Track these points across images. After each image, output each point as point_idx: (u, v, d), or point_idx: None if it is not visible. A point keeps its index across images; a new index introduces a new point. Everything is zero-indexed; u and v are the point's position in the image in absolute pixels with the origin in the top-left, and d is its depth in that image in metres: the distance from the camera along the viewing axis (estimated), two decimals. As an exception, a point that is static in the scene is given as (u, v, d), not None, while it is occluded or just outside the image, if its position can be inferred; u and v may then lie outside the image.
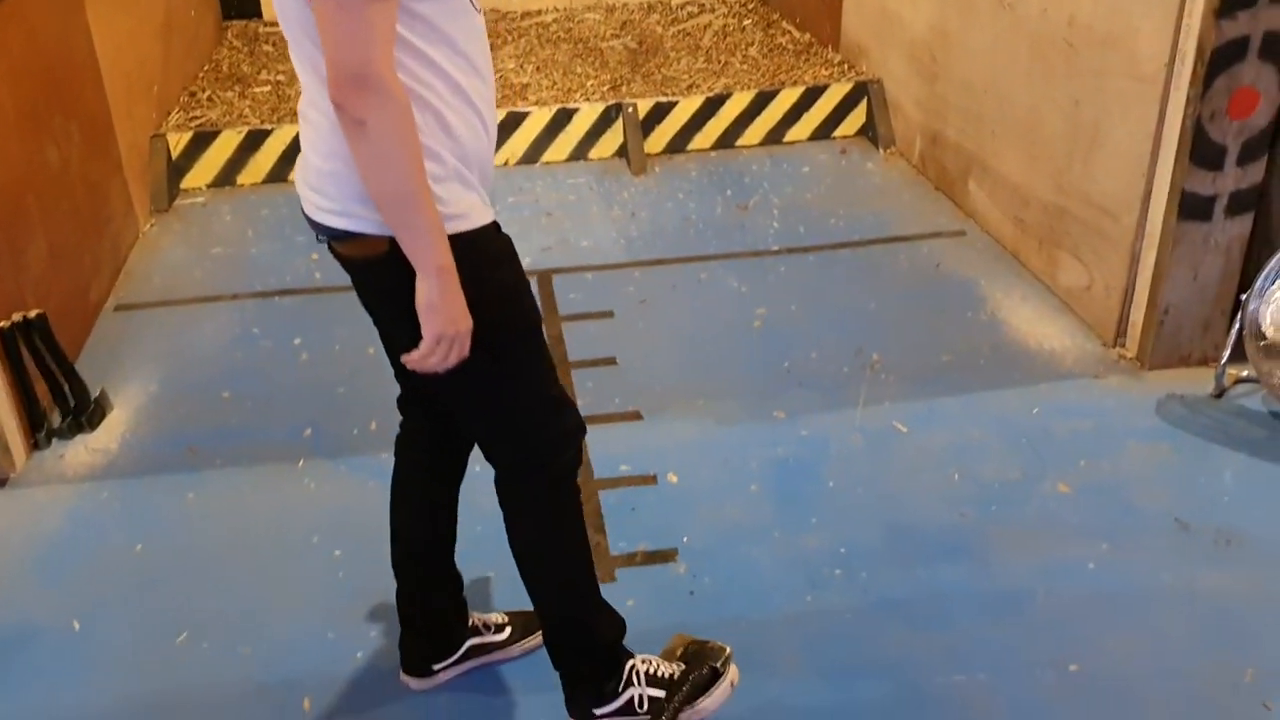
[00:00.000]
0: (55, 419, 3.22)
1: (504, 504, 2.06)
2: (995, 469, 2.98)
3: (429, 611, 2.31)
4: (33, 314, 3.14)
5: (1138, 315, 3.41)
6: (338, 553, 2.74)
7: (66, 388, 3.23)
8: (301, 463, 3.09)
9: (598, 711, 2.14)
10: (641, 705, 2.12)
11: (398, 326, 1.96)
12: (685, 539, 2.75)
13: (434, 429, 2.15)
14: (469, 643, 2.35)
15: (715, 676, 2.16)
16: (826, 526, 2.78)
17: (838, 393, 3.34)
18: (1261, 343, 3.04)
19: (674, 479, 2.98)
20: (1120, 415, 3.19)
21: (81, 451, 3.17)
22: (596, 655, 2.14)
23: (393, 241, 1.70)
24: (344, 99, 1.56)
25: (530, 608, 2.44)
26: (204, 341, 3.76)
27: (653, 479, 2.98)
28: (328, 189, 1.76)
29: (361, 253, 1.79)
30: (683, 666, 2.17)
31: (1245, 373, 3.24)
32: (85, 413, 3.24)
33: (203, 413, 3.35)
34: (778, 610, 2.52)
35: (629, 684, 2.13)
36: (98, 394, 3.32)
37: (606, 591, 2.54)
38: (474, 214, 1.78)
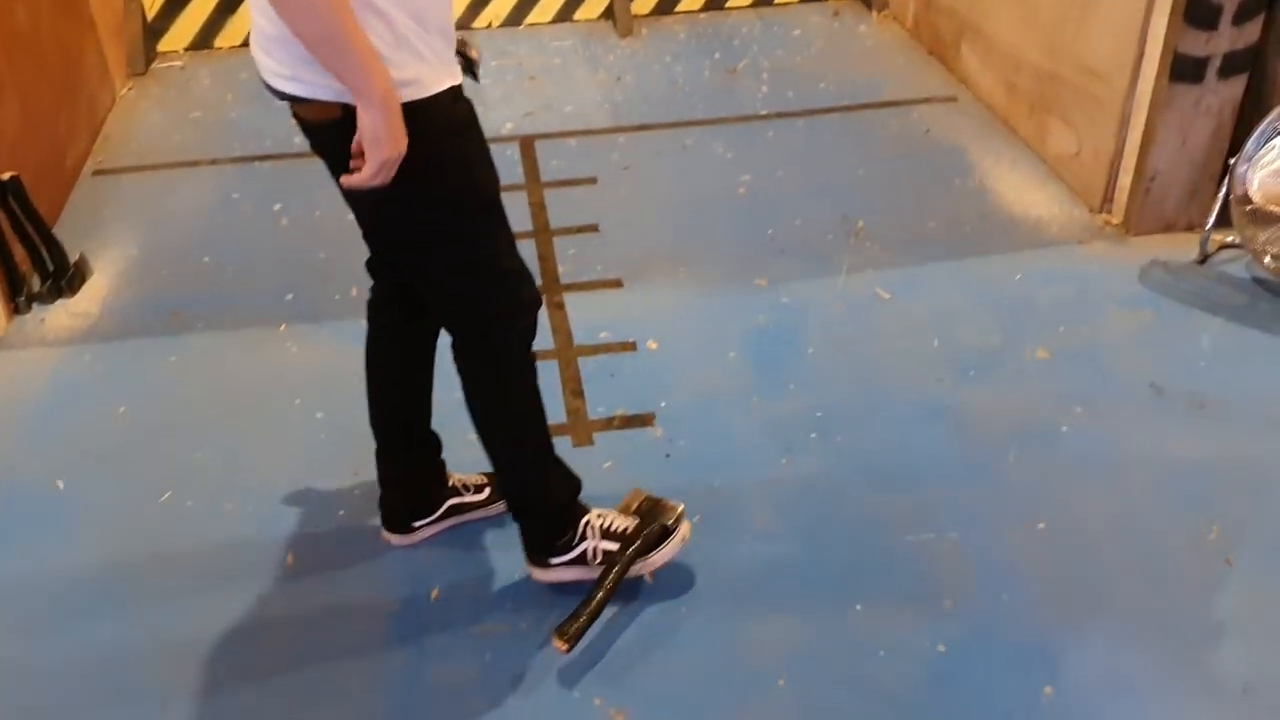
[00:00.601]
0: (35, 283, 3.21)
1: (460, 370, 2.08)
2: (975, 335, 2.99)
3: (408, 471, 2.35)
4: (6, 176, 3.10)
5: (1125, 181, 3.37)
6: (320, 415, 2.77)
7: (45, 252, 3.21)
8: (283, 327, 3.10)
9: (554, 561, 2.21)
10: (595, 557, 2.19)
11: (350, 197, 1.93)
12: (663, 404, 2.77)
13: (404, 292, 2.14)
14: (449, 502, 2.39)
15: (667, 533, 2.22)
16: (804, 392, 2.80)
17: (821, 260, 3.33)
18: (1247, 208, 3.02)
19: (654, 346, 2.99)
20: (1102, 282, 3.19)
21: (62, 315, 3.17)
22: (552, 512, 2.20)
23: (346, 106, 1.67)
24: None
25: (509, 469, 2.49)
26: (184, 207, 3.72)
27: (632, 345, 2.99)
28: (277, 53, 1.72)
29: (317, 116, 1.76)
30: (637, 521, 2.23)
31: (1230, 239, 3.22)
32: (65, 277, 3.23)
33: (184, 277, 3.35)
34: (753, 473, 2.55)
35: (584, 537, 2.19)
36: (77, 258, 3.31)
37: (585, 455, 2.60)
38: (427, 79, 1.73)
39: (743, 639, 2.16)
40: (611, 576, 2.14)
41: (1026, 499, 2.46)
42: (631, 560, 2.17)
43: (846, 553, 2.35)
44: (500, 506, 2.43)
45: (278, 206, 3.67)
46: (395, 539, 2.38)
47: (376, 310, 2.21)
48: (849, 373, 2.87)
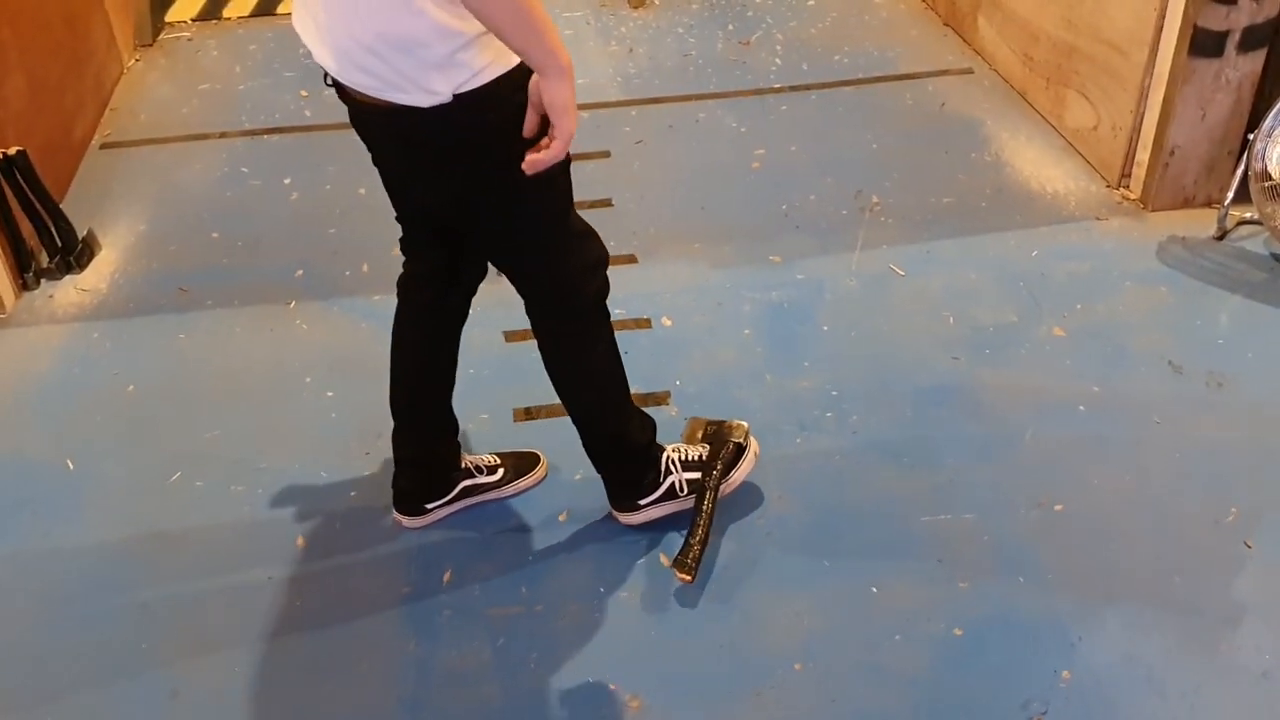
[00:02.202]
0: (43, 259, 3.19)
1: (537, 332, 2.13)
2: (990, 312, 2.96)
3: (425, 452, 2.33)
4: (13, 151, 3.07)
5: (1143, 156, 3.33)
6: (330, 393, 2.75)
7: (53, 227, 3.19)
8: (293, 304, 3.07)
9: (643, 502, 2.30)
10: (682, 489, 2.29)
11: (436, 175, 1.87)
12: (678, 382, 2.75)
13: (444, 271, 2.14)
14: (462, 484, 2.38)
15: (740, 451, 2.33)
16: (819, 370, 2.78)
17: (835, 236, 3.30)
18: (1266, 184, 2.98)
19: (668, 323, 2.96)
20: (1119, 258, 3.15)
21: (71, 292, 3.15)
22: (633, 457, 2.27)
23: (457, 94, 1.68)
24: None
25: (521, 450, 2.49)
26: (192, 181, 3.69)
27: (647, 323, 2.96)
28: (383, 66, 1.69)
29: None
30: (707, 447, 2.33)
31: (1248, 215, 3.18)
32: (73, 252, 3.21)
33: (192, 253, 3.32)
34: (768, 452, 2.52)
35: (667, 473, 2.29)
36: (85, 234, 3.28)
37: (597, 433, 2.57)
38: None
39: (758, 623, 2.15)
40: (706, 503, 2.24)
41: (1044, 479, 2.44)
42: (719, 482, 2.27)
43: (862, 533, 2.33)
44: (514, 488, 2.42)
45: (287, 181, 3.64)
46: (407, 521, 2.36)
47: (410, 288, 2.20)
48: (864, 350, 2.84)
